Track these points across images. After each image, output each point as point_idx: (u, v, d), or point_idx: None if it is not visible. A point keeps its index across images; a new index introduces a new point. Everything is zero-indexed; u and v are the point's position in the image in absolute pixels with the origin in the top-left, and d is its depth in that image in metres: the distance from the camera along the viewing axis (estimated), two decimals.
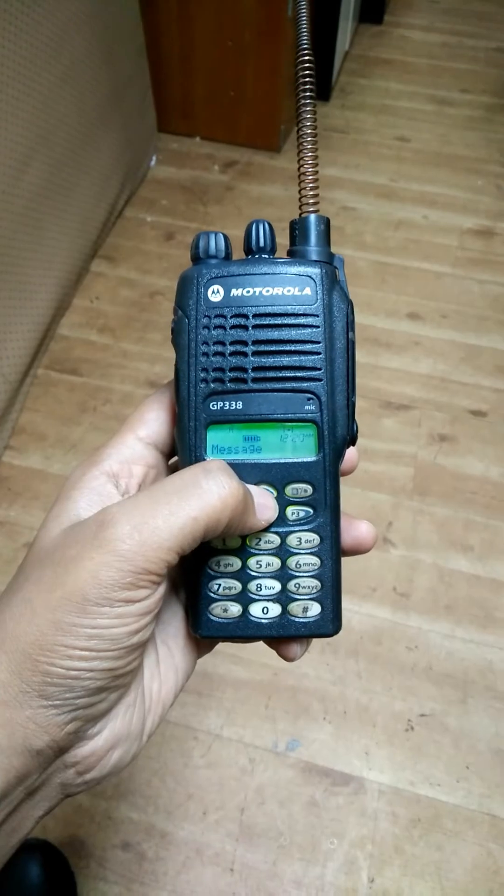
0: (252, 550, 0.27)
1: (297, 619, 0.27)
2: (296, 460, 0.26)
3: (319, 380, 0.26)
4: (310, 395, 0.26)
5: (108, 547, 0.22)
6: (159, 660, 0.28)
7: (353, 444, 0.28)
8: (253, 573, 0.27)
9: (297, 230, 0.28)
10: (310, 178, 0.27)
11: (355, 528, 0.28)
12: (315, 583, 0.27)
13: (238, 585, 0.27)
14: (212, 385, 0.26)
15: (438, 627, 0.90)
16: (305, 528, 0.27)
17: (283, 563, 0.27)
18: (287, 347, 0.26)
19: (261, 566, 0.27)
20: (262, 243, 0.27)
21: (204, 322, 0.26)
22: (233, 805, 0.77)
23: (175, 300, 0.27)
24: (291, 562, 0.27)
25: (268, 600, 0.27)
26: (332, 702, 0.84)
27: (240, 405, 0.26)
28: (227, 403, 0.26)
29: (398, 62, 2.03)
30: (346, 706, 0.84)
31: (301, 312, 0.26)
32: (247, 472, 0.26)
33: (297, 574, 0.27)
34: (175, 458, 0.29)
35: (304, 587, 0.27)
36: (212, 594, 0.27)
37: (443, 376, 1.20)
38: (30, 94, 1.00)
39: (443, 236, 1.46)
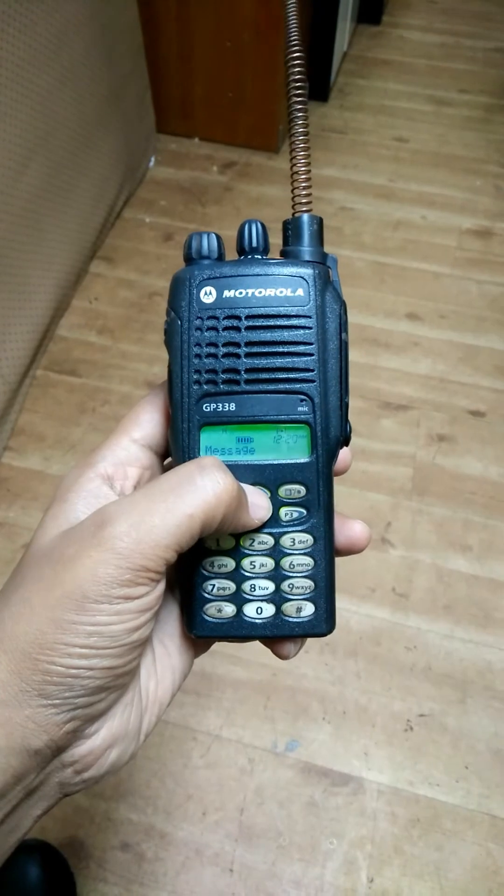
0: (246, 551, 0.27)
1: (290, 619, 0.27)
2: (289, 461, 0.27)
3: (312, 381, 0.26)
4: (303, 397, 0.26)
5: (106, 545, 0.22)
6: (156, 659, 0.28)
7: (347, 445, 0.28)
8: (247, 574, 0.27)
9: (290, 230, 0.28)
10: (302, 177, 0.27)
11: (349, 528, 0.29)
12: (309, 583, 0.27)
13: (232, 586, 0.27)
14: (205, 387, 0.26)
15: (437, 628, 0.90)
16: (299, 528, 0.27)
17: (277, 563, 0.27)
18: (280, 349, 0.26)
19: (255, 567, 0.27)
20: (254, 243, 0.27)
21: (196, 324, 0.26)
22: (232, 805, 0.77)
23: (168, 301, 0.27)
24: (285, 562, 0.27)
25: (262, 600, 0.27)
26: (331, 702, 0.84)
27: (233, 406, 0.26)
28: (221, 405, 0.26)
29: (396, 63, 2.03)
30: (345, 706, 0.84)
31: (294, 314, 0.26)
32: (240, 474, 0.26)
33: (291, 574, 0.27)
34: (170, 460, 0.29)
35: (297, 587, 0.27)
36: (206, 595, 0.27)
37: (441, 376, 1.20)
38: (28, 96, 1.00)
39: (441, 237, 1.46)
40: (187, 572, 0.27)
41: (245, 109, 1.60)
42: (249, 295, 0.26)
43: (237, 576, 0.27)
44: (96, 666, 0.22)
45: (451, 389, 1.18)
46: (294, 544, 0.27)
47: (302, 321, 0.26)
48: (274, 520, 0.27)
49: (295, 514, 0.27)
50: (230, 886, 0.72)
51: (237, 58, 1.51)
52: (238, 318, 0.26)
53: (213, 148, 1.67)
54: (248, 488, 0.26)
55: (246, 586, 0.27)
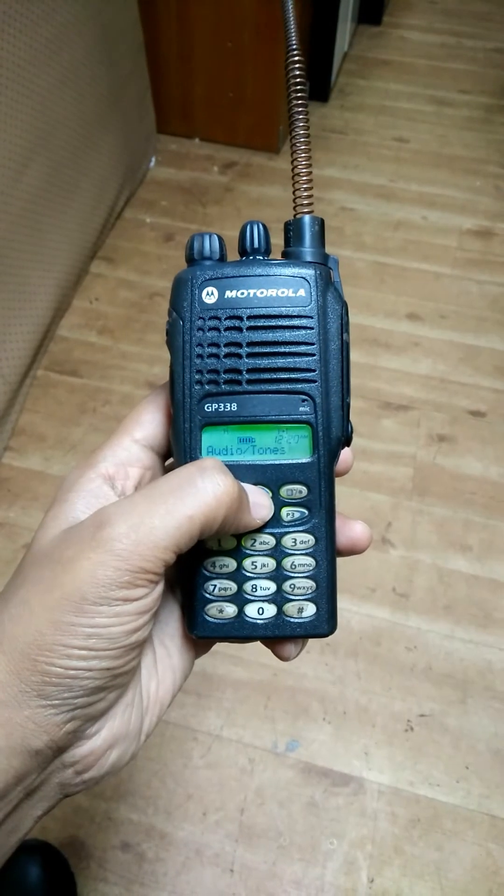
0: (247, 551, 0.27)
1: (292, 620, 0.27)
2: (290, 461, 0.27)
3: (314, 381, 0.26)
4: (304, 397, 0.26)
5: (105, 547, 0.22)
6: (157, 660, 0.28)
7: (348, 445, 0.28)
8: (248, 574, 0.27)
9: (292, 231, 0.28)
10: (304, 179, 0.27)
11: (350, 529, 0.29)
12: (310, 583, 0.27)
13: (233, 586, 0.27)
14: (206, 387, 0.26)
15: (438, 628, 0.90)
16: (300, 528, 0.27)
17: (279, 563, 0.27)
18: (281, 349, 0.26)
19: (256, 567, 0.27)
20: (256, 244, 0.27)
21: (198, 324, 0.26)
22: (232, 806, 0.77)
23: (170, 302, 0.27)
24: (286, 562, 0.27)
25: (263, 601, 0.27)
26: (331, 702, 0.84)
27: (234, 407, 0.26)
28: (222, 405, 0.26)
29: (397, 63, 2.03)
30: (345, 706, 0.84)
31: (295, 314, 0.26)
32: (242, 474, 0.26)
33: (293, 575, 0.27)
34: (171, 460, 0.29)
35: (299, 588, 0.27)
36: (207, 595, 0.27)
37: (442, 377, 1.20)
38: (29, 96, 1.00)
39: (442, 237, 1.46)
40: (188, 573, 0.27)
41: (245, 110, 1.60)
42: (251, 295, 0.26)
43: (238, 576, 0.27)
44: (95, 667, 0.22)
45: (451, 389, 1.18)
46: (295, 544, 0.27)
47: (303, 322, 0.26)
48: (275, 520, 0.27)
49: (296, 515, 0.27)
50: (231, 886, 0.72)
51: (237, 58, 1.52)
52: (240, 318, 0.26)
53: (214, 148, 1.68)
54: (249, 487, 0.26)
55: (247, 587, 0.27)
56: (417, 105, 1.85)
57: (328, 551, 0.27)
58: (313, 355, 0.26)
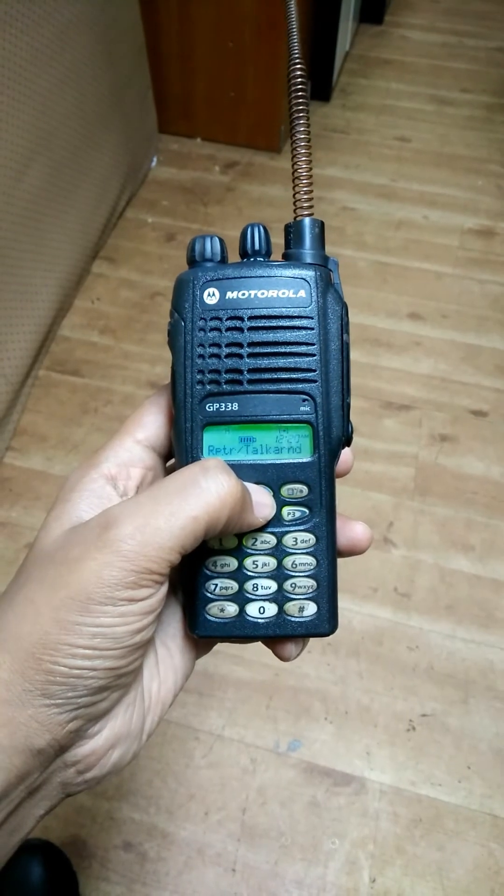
0: (248, 550, 0.27)
1: (293, 619, 0.27)
2: (291, 461, 0.27)
3: (314, 381, 0.26)
4: (305, 397, 0.26)
5: (110, 547, 0.22)
6: (158, 660, 0.28)
7: (349, 445, 0.28)
8: (249, 573, 0.27)
9: (292, 233, 0.28)
10: (304, 181, 0.28)
11: (350, 529, 0.29)
12: (311, 582, 0.27)
13: (234, 585, 0.27)
14: (208, 387, 0.26)
15: (439, 627, 0.90)
16: (301, 528, 0.27)
17: (280, 563, 0.27)
18: (282, 349, 0.26)
19: (257, 566, 0.27)
20: (257, 246, 0.27)
21: (200, 324, 0.26)
22: (234, 805, 0.77)
23: (171, 303, 0.27)
24: (287, 562, 0.27)
25: (264, 600, 0.27)
26: (333, 702, 0.84)
27: (236, 406, 0.26)
28: (223, 405, 0.26)
29: (398, 62, 2.03)
30: (347, 706, 0.84)
31: (296, 315, 0.26)
32: (243, 473, 0.26)
33: (294, 574, 0.27)
34: (173, 461, 0.29)
35: (300, 587, 0.27)
36: (208, 594, 0.27)
37: (443, 376, 1.20)
38: (30, 96, 1.01)
39: (443, 236, 1.46)
40: (190, 572, 0.28)
41: (247, 109, 1.60)
42: (252, 296, 0.26)
43: (239, 575, 0.27)
44: (99, 667, 0.22)
45: (452, 389, 1.18)
46: (296, 544, 0.27)
47: (304, 322, 0.26)
48: (276, 519, 0.27)
49: (297, 514, 0.27)
50: (232, 886, 0.72)
51: (238, 57, 1.52)
52: (241, 318, 0.26)
53: (215, 148, 1.68)
54: (251, 486, 0.26)
55: (248, 586, 0.27)
56: (419, 104, 1.85)
57: (329, 550, 0.27)
58: (314, 355, 0.26)
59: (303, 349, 0.26)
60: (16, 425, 1.11)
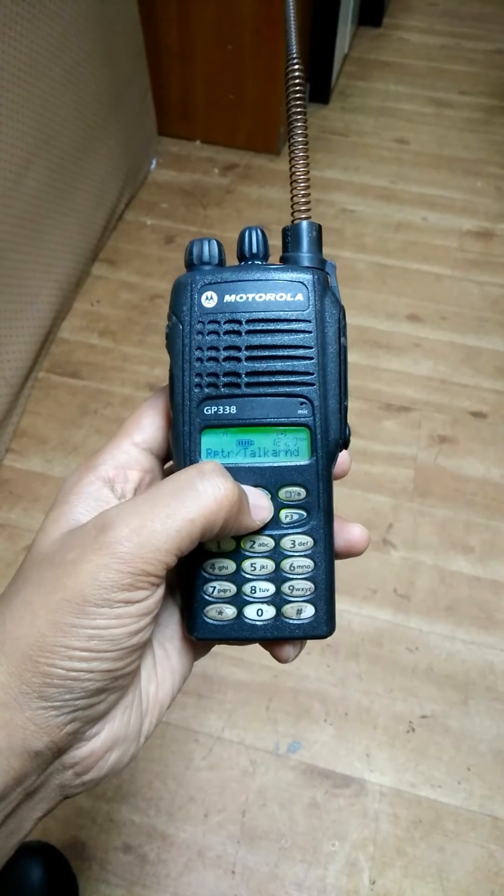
0: (246, 553, 0.27)
1: (291, 621, 0.27)
2: (289, 464, 0.27)
3: (312, 384, 0.26)
4: (302, 400, 0.26)
5: (107, 549, 0.22)
6: (156, 662, 0.28)
7: (346, 448, 0.28)
8: (247, 575, 0.27)
9: (290, 236, 0.28)
10: (301, 184, 0.28)
11: (348, 532, 0.29)
12: (309, 585, 0.27)
13: (232, 588, 0.27)
14: (206, 390, 0.26)
15: (439, 629, 0.90)
16: (299, 530, 0.27)
17: (277, 565, 0.27)
18: (280, 353, 0.26)
19: (255, 568, 0.27)
20: (254, 250, 0.27)
21: (198, 328, 0.26)
22: (234, 807, 0.77)
23: (169, 306, 0.27)
24: (285, 564, 0.27)
25: (262, 602, 0.27)
26: (332, 703, 0.84)
27: (233, 410, 0.26)
28: (221, 408, 0.26)
29: (397, 64, 2.03)
30: (346, 708, 0.84)
31: (293, 318, 0.26)
32: (241, 476, 0.26)
33: (291, 576, 0.27)
34: (171, 463, 0.29)
35: (297, 589, 0.27)
36: (207, 596, 0.27)
37: (443, 378, 1.20)
38: (30, 99, 1.01)
39: (442, 238, 1.46)
40: (188, 574, 0.28)
41: (246, 112, 1.61)
42: (250, 300, 0.26)
43: (237, 578, 0.27)
44: (96, 669, 0.22)
45: (452, 391, 1.18)
46: (294, 546, 0.27)
47: (302, 325, 0.26)
48: (274, 522, 0.27)
49: (295, 517, 0.27)
50: (232, 888, 0.72)
51: (238, 60, 1.52)
52: (239, 322, 0.26)
53: (214, 150, 1.68)
54: (249, 489, 0.26)
55: (246, 588, 0.27)
56: (417, 106, 1.86)
57: (327, 553, 0.27)
58: (311, 359, 0.26)
59: (300, 352, 0.26)
60: (15, 427, 1.11)
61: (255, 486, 0.27)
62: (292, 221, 0.28)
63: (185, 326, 0.26)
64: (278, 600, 0.27)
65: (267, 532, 0.27)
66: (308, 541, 0.27)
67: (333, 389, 0.27)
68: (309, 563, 0.27)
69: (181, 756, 0.80)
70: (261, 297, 0.26)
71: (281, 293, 0.26)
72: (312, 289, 0.26)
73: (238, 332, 0.26)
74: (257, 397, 0.26)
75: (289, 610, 0.27)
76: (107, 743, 0.24)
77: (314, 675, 0.86)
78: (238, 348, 0.26)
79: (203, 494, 0.23)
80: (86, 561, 0.22)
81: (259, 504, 0.26)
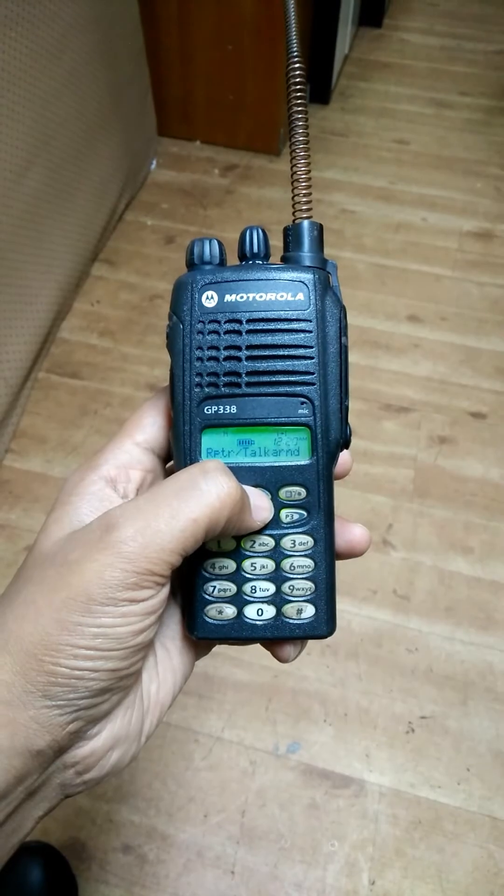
0: (247, 552, 0.27)
1: (291, 621, 0.27)
2: (290, 463, 0.27)
3: (313, 384, 0.26)
4: (303, 399, 0.26)
5: (112, 549, 0.22)
6: (157, 661, 0.28)
7: (347, 448, 0.28)
8: (248, 575, 0.27)
9: (291, 236, 0.28)
10: (303, 184, 0.28)
11: (349, 532, 0.29)
12: (309, 584, 0.27)
13: (233, 587, 0.27)
14: (206, 389, 0.26)
15: (439, 629, 0.90)
16: (299, 530, 0.27)
17: (278, 565, 0.27)
18: (281, 352, 0.26)
19: (255, 568, 0.27)
20: (255, 249, 0.27)
21: (198, 327, 0.26)
22: (234, 807, 0.77)
23: (170, 306, 0.27)
24: (286, 564, 0.27)
25: (262, 602, 0.27)
26: (332, 704, 0.84)
27: (234, 409, 0.26)
28: (222, 407, 0.26)
29: (397, 65, 2.03)
30: (346, 708, 0.84)
31: (294, 318, 0.26)
32: (241, 476, 0.26)
33: (292, 576, 0.27)
34: (172, 462, 0.29)
35: (298, 589, 0.27)
36: (207, 596, 0.27)
37: (442, 378, 1.20)
38: (30, 99, 1.01)
39: (442, 239, 1.47)
40: (188, 574, 0.28)
41: (246, 112, 1.61)
42: (251, 299, 0.26)
43: (238, 577, 0.27)
44: (101, 668, 0.22)
45: (452, 391, 1.18)
46: (294, 546, 0.27)
47: (302, 325, 0.26)
48: (274, 521, 0.27)
49: (295, 516, 0.27)
50: (232, 889, 0.72)
51: (238, 60, 1.52)
52: (239, 321, 0.26)
53: (215, 151, 1.68)
54: (249, 490, 0.26)
55: (246, 588, 0.27)
56: (418, 107, 1.86)
57: (327, 553, 0.27)
58: (312, 358, 0.26)
59: (301, 352, 0.26)
60: (15, 427, 1.11)
61: (256, 485, 0.27)
62: (293, 221, 0.28)
63: (186, 326, 0.26)
64: (278, 600, 0.27)
65: (267, 532, 0.27)
66: (308, 540, 0.27)
67: (334, 389, 0.27)
68: (309, 562, 0.27)
69: (181, 756, 0.80)
70: (261, 296, 0.26)
71: (282, 293, 0.26)
72: (313, 288, 0.26)
73: (239, 332, 0.26)
74: (258, 397, 0.26)
75: (289, 610, 0.27)
76: (108, 742, 0.24)
77: (314, 676, 0.86)
78: (238, 348, 0.26)
79: (206, 493, 0.23)
80: (91, 560, 0.22)
81: (259, 504, 0.26)
